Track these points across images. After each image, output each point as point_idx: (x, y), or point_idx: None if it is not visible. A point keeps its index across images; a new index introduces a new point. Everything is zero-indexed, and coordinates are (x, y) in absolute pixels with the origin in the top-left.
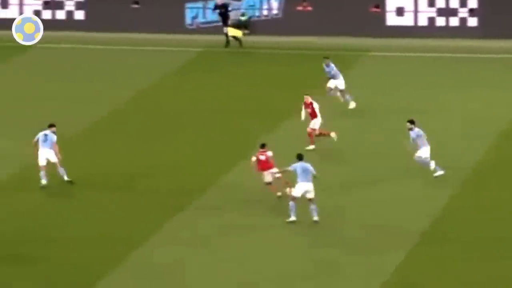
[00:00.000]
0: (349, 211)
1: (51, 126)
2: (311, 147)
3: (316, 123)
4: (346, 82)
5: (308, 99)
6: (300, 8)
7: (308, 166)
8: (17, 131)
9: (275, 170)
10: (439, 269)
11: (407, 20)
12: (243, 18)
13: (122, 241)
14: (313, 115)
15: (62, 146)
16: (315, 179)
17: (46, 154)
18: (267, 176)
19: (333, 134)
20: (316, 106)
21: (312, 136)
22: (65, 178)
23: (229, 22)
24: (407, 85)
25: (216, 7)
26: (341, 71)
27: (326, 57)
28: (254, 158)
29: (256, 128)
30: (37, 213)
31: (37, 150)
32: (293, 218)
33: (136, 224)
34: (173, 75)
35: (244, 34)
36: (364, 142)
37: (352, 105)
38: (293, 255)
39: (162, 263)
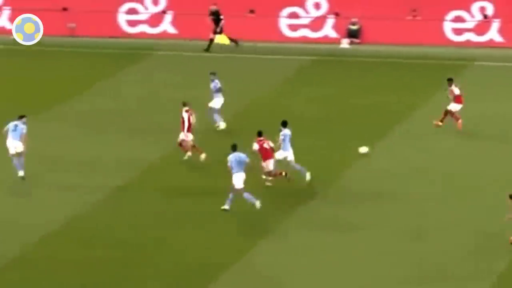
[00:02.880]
0: (455, 217)
1: (21, 117)
2: (188, 154)
3: (188, 135)
4: None
5: (184, 110)
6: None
7: (241, 155)
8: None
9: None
10: None
11: None
12: (353, 27)
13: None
14: (187, 127)
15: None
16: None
17: (14, 144)
18: (270, 165)
19: (203, 156)
20: (193, 117)
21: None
22: (21, 172)
23: (218, 29)
24: None
25: (211, 13)
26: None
27: (213, 73)
28: (257, 146)
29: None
30: (147, 214)
31: (6, 140)
32: (227, 207)
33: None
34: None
35: (230, 43)
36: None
37: (222, 125)
38: (400, 259)
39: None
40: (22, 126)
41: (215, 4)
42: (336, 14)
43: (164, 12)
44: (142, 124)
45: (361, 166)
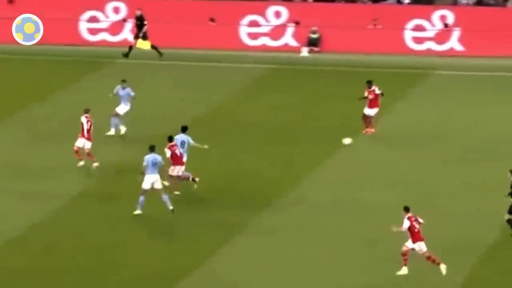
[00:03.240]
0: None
1: None
2: (82, 163)
3: (87, 143)
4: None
5: (87, 117)
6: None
7: (157, 157)
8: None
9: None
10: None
11: None
12: (314, 36)
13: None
14: (86, 133)
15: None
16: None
17: None
18: (180, 171)
19: (95, 164)
20: (90, 124)
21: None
22: None
23: (141, 34)
24: None
25: (135, 18)
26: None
27: (123, 80)
28: (169, 152)
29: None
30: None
31: None
32: (139, 211)
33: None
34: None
35: (152, 47)
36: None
37: (123, 130)
38: (360, 268)
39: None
40: None
41: (139, 9)
42: (296, 23)
43: (124, 20)
44: (101, 131)
45: (318, 173)
